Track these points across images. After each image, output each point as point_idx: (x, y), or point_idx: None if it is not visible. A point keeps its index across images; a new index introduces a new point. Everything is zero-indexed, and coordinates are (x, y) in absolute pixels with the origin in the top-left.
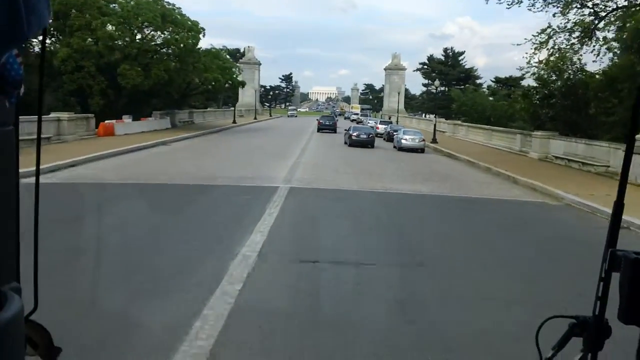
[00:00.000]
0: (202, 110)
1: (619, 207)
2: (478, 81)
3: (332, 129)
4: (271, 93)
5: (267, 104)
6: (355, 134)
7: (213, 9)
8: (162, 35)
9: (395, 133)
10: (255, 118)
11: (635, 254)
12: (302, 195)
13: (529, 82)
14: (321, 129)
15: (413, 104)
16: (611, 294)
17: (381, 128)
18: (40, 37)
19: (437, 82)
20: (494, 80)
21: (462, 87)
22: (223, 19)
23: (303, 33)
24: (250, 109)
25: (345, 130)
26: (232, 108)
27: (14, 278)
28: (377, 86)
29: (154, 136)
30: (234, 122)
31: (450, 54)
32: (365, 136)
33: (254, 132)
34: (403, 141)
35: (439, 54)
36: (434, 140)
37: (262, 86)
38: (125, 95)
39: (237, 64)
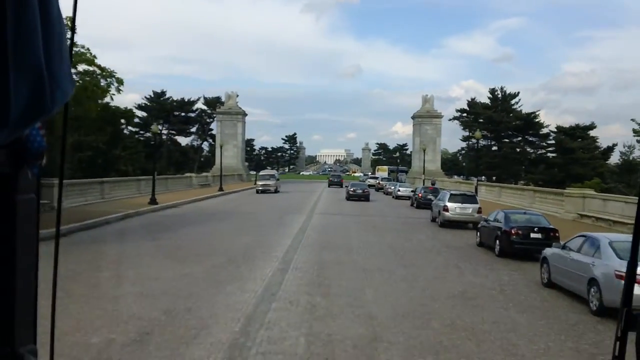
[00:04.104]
0: (101, 180)
1: (633, 266)
2: (543, 130)
3: (339, 184)
4: (273, 155)
5: (269, 167)
6: (352, 189)
7: (226, 77)
8: None
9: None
10: (220, 189)
11: None
12: None
13: None
14: (331, 184)
15: None
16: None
17: (470, 212)
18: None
19: None
20: (554, 130)
21: (520, 138)
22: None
23: (312, 99)
24: (233, 174)
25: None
26: (190, 174)
27: (31, 341)
28: (391, 145)
29: None
30: (152, 200)
31: (500, 95)
32: (360, 191)
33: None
34: None
35: (483, 98)
36: None
37: (262, 148)
38: None
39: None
